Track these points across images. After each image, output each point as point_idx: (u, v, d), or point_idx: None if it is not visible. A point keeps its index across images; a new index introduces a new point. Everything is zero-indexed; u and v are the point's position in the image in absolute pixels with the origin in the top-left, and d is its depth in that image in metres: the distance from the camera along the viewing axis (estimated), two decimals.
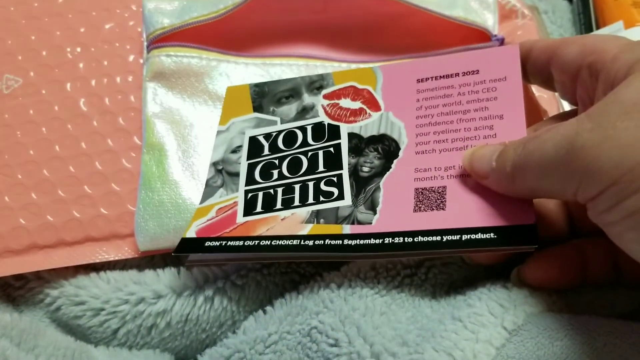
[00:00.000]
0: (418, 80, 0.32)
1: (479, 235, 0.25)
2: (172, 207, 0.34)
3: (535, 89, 0.38)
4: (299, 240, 0.28)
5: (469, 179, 0.27)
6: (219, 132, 0.34)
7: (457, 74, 0.31)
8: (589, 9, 0.47)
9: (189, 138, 0.35)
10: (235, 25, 0.38)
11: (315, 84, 0.34)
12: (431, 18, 0.38)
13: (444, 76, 0.31)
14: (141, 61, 0.39)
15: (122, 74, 0.38)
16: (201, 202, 0.32)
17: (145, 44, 0.37)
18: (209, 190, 0.32)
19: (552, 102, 0.38)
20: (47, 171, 0.36)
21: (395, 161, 0.29)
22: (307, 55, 0.38)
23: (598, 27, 0.46)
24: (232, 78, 0.37)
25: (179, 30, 0.36)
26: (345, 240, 0.28)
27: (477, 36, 0.39)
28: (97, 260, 0.35)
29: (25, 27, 0.40)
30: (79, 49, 0.39)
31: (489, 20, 0.39)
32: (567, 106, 0.43)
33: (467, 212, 0.26)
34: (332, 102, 0.33)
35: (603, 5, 0.47)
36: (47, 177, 0.36)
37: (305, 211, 0.29)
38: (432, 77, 0.31)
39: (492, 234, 0.25)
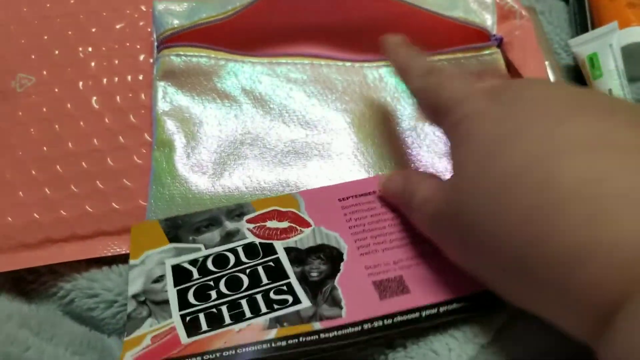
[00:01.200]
0: (339, 200, 0.33)
1: (455, 305, 0.26)
2: (183, 201, 0.35)
3: None
4: (268, 344, 0.26)
5: (423, 265, 0.29)
6: (131, 267, 0.31)
7: (373, 192, 0.33)
8: (584, 10, 0.48)
9: (198, 135, 0.37)
10: (242, 25, 0.39)
11: (235, 212, 0.33)
12: (433, 19, 0.39)
13: (362, 194, 0.33)
14: (151, 60, 0.40)
15: (132, 72, 0.39)
16: (127, 335, 0.28)
17: (155, 44, 0.38)
18: (134, 322, 0.28)
19: None
20: (60, 167, 0.37)
21: (342, 264, 0.29)
22: (313, 54, 0.39)
23: (593, 27, 0.47)
24: (240, 77, 0.38)
25: (188, 30, 0.38)
26: (321, 335, 0.26)
27: (476, 36, 0.40)
28: (109, 254, 0.36)
29: (38, 27, 0.40)
30: (90, 49, 0.40)
31: (488, 21, 0.40)
32: None
33: (434, 289, 0.27)
34: (258, 224, 0.32)
35: (599, 6, 0.48)
36: (61, 173, 0.37)
37: (262, 320, 0.27)
38: (352, 196, 0.33)
39: (468, 302, 0.26)
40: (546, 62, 0.45)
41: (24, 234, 0.37)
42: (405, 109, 0.39)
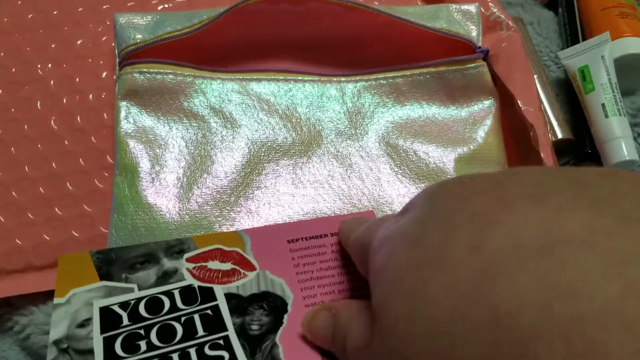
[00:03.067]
0: (288, 241, 0.31)
1: None
2: (146, 231, 0.32)
3: (522, 103, 0.37)
4: None
5: None
6: (56, 306, 0.28)
7: (326, 235, 0.31)
8: (575, 20, 0.46)
9: (164, 158, 0.34)
10: (210, 40, 0.36)
11: (175, 248, 0.30)
12: (413, 30, 0.37)
13: (314, 237, 0.31)
14: (114, 77, 0.37)
15: (94, 90, 0.37)
16: None
17: (117, 60, 0.36)
18: None
19: (538, 115, 0.38)
20: (16, 192, 0.35)
21: (285, 316, 0.28)
22: (287, 69, 0.37)
23: (584, 38, 0.45)
24: (208, 95, 0.36)
25: (152, 45, 0.35)
26: None
27: (461, 48, 0.38)
28: None
29: None
30: (50, 65, 0.38)
31: (472, 32, 0.38)
32: (553, 120, 0.42)
33: None
34: (199, 264, 0.30)
35: (590, 15, 0.46)
36: (16, 199, 0.35)
37: None
38: (302, 238, 0.31)
39: None
40: (535, 76, 0.43)
41: None
42: (385, 128, 0.36)
